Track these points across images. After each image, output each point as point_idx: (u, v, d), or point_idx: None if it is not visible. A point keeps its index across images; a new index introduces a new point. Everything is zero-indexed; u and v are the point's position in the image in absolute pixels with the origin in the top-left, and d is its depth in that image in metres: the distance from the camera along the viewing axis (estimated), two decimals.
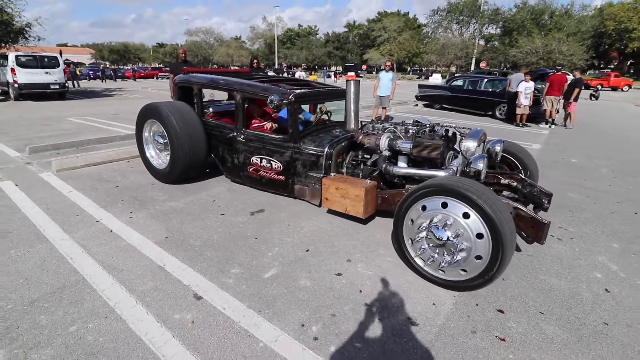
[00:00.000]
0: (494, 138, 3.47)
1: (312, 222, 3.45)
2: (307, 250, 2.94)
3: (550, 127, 10.12)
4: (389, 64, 9.16)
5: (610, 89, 29.77)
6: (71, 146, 6.04)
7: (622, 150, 7.27)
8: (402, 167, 3.21)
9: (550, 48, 33.22)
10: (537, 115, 10.49)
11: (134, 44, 76.29)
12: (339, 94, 4.25)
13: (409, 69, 51.87)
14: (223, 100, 5.66)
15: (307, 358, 1.86)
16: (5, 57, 13.49)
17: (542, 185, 3.10)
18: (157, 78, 39.51)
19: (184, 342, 1.95)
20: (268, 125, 4.19)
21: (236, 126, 3.94)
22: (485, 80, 12.55)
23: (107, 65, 44.76)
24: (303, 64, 46.86)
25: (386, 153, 3.29)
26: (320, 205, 3.56)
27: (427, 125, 3.47)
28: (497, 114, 11.64)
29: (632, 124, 11.37)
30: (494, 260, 2.18)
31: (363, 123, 3.78)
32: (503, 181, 3.19)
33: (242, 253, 2.87)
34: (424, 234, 2.44)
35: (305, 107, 4.67)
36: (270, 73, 10.04)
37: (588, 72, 40.92)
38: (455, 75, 17.50)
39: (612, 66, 47.16)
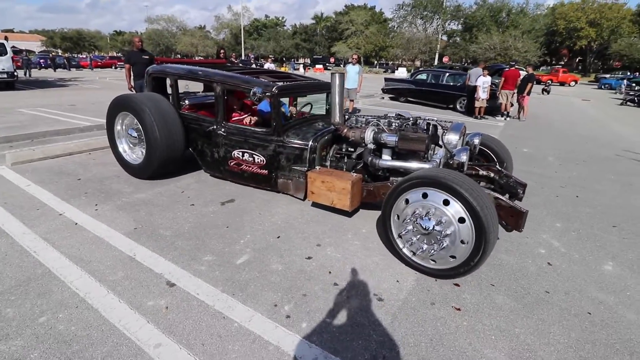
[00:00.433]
0: (472, 131, 3.63)
1: (283, 210, 3.54)
2: (278, 237, 3.03)
3: (505, 119, 10.77)
4: (355, 57, 9.33)
5: (559, 84, 31.88)
6: (26, 138, 5.71)
7: (567, 141, 7.92)
8: (387, 160, 3.25)
9: (507, 44, 34.97)
10: (493, 108, 11.11)
11: (89, 31, 71.68)
12: (320, 87, 4.29)
13: (375, 62, 52.64)
14: (198, 92, 5.53)
15: (280, 334, 1.97)
16: None
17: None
18: (115, 67, 37.53)
19: (158, 326, 1.99)
20: (247, 119, 4.15)
21: (216, 119, 3.83)
22: (447, 74, 13.09)
23: (60, 54, 41.80)
24: (271, 56, 46.24)
25: (371, 146, 3.33)
26: (304, 199, 3.61)
27: (410, 119, 3.58)
28: (458, 106, 12.19)
29: (578, 117, 12.34)
30: (477, 245, 2.26)
31: (347, 116, 3.81)
32: (481, 172, 3.30)
33: (213, 241, 2.92)
34: (410, 226, 2.51)
35: (284, 100, 4.65)
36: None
37: (541, 68, 43.46)
38: (419, 69, 18.05)
39: (563, 63, 50.44)
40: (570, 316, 2.23)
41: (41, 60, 32.03)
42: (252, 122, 4.11)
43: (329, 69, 43.68)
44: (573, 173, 5.39)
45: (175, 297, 2.24)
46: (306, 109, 4.51)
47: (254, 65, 13.05)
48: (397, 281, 2.50)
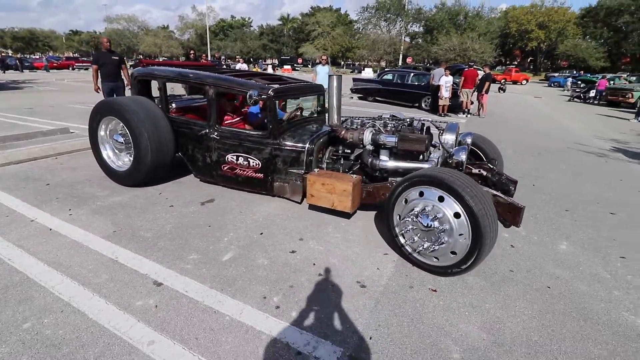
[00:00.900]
0: (464, 131, 3.74)
1: (264, 208, 3.61)
2: (261, 233, 3.10)
3: (467, 116, 11.37)
4: (324, 57, 9.52)
5: (512, 82, 33.89)
6: None
7: (523, 136, 8.51)
8: (387, 161, 3.27)
9: (465, 46, 36.67)
10: (455, 106, 11.69)
11: (42, 31, 67.18)
12: (312, 89, 4.30)
13: (342, 63, 53.36)
14: (184, 95, 5.38)
15: (271, 324, 2.06)
16: None
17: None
18: (73, 69, 35.51)
19: (149, 324, 2.02)
20: (239, 122, 4.04)
21: (209, 123, 3.72)
22: (412, 74, 13.59)
23: (10, 54, 38.95)
24: (238, 56, 45.59)
25: (369, 147, 3.35)
26: (301, 202, 3.63)
27: (406, 120, 3.65)
28: (423, 105, 12.71)
29: (532, 113, 13.24)
30: (475, 241, 2.30)
31: (343, 118, 3.82)
32: (474, 171, 3.36)
33: (197, 240, 2.94)
34: (410, 224, 2.57)
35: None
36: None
37: (496, 68, 45.89)
38: (386, 70, 18.57)
39: (516, 63, 53.56)
40: (532, 291, 2.48)
41: None
42: (241, 125, 4.01)
43: (297, 70, 43.81)
44: (529, 165, 5.84)
45: (163, 295, 2.26)
46: (298, 111, 4.46)
47: (224, 67, 12.86)
48: (378, 269, 2.65)
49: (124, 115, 3.70)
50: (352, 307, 2.23)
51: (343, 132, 3.48)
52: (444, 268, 2.52)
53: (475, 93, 11.56)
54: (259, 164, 3.56)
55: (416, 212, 2.52)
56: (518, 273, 2.68)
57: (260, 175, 3.60)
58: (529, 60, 55.33)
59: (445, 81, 10.74)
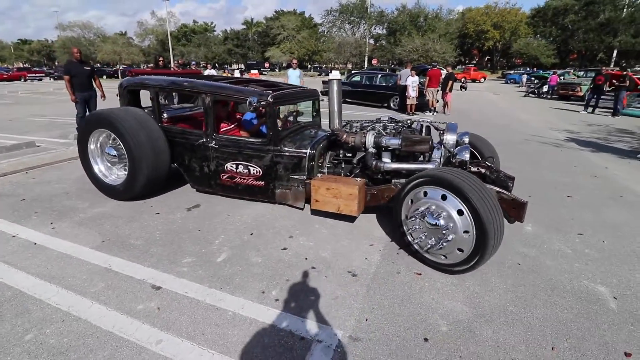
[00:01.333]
0: (460, 131, 3.72)
1: (251, 210, 3.70)
2: (252, 234, 3.20)
3: (433, 114, 11.90)
4: (295, 61, 9.70)
5: (471, 81, 35.60)
6: None
7: (485, 129, 9.03)
8: (392, 163, 3.28)
9: (427, 47, 38.10)
10: (422, 104, 12.20)
11: None
12: (309, 94, 4.29)
13: (309, 66, 53.74)
14: (173, 104, 5.27)
15: (273, 315, 2.18)
16: None
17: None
18: (25, 80, 33.52)
19: (155, 325, 2.08)
20: (235, 130, 3.97)
21: (206, 132, 3.64)
22: (380, 75, 14.04)
23: None
24: (202, 62, 44.79)
25: (372, 150, 3.37)
26: (303, 208, 3.62)
27: (406, 122, 3.69)
28: (392, 104, 13.15)
29: (491, 109, 14.03)
30: (480, 236, 2.35)
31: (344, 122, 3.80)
32: (473, 169, 3.34)
33: (189, 244, 3.00)
34: (418, 223, 2.63)
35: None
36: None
37: (457, 67, 47.98)
38: (354, 72, 18.99)
39: (475, 62, 56.19)
40: (505, 268, 2.75)
41: None
42: (237, 132, 3.94)
43: (264, 74, 43.63)
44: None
45: (164, 298, 2.32)
46: (291, 116, 4.43)
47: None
48: (366, 258, 2.83)
49: (117, 127, 3.57)
50: (346, 294, 2.39)
51: (345, 136, 3.47)
52: (450, 266, 2.58)
53: (440, 92, 12.13)
54: (259, 172, 3.52)
55: (422, 212, 2.58)
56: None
57: (261, 182, 3.56)
58: (486, 59, 58.20)
59: (411, 81, 11.20)
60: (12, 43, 69.35)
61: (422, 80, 12.50)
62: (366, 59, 44.29)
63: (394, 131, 3.66)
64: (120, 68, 40.77)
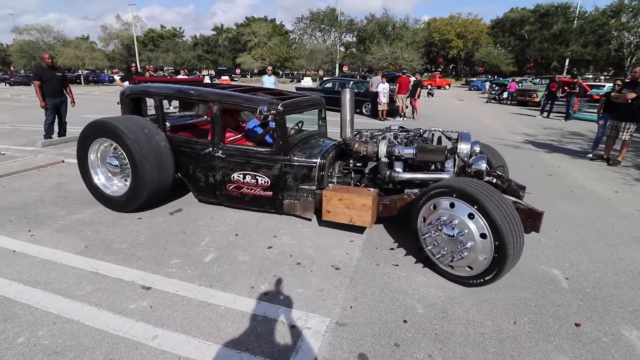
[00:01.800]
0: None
1: (234, 212, 3.80)
2: (236, 235, 3.31)
3: (403, 119, 12.40)
4: (270, 68, 9.84)
5: (437, 87, 37.14)
6: None
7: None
8: (406, 173, 3.23)
9: (396, 55, 39.39)
10: (393, 110, 12.68)
11: None
12: (316, 103, 4.22)
13: (281, 72, 53.94)
14: (175, 112, 5.14)
15: (264, 307, 2.31)
16: None
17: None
18: None
19: (149, 322, 2.16)
20: (237, 138, 3.91)
21: (213, 141, 3.55)
22: (352, 82, 14.45)
23: None
24: (170, 67, 43.83)
25: (384, 160, 3.32)
26: (311, 219, 3.58)
27: (417, 131, 3.69)
28: (364, 110, 13.55)
29: (457, 114, 14.78)
30: (500, 243, 2.31)
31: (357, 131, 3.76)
32: (485, 178, 3.20)
33: (175, 247, 3.07)
34: (434, 233, 2.61)
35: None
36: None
37: (424, 75, 49.84)
38: (326, 78, 19.37)
39: (440, 69, 58.59)
40: None
41: None
42: (243, 141, 3.88)
43: (236, 80, 43.39)
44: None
45: (155, 297, 2.39)
46: (297, 125, 4.27)
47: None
48: (347, 253, 3.02)
49: (120, 137, 3.43)
50: (331, 285, 2.56)
51: (356, 145, 3.40)
52: (467, 279, 2.56)
53: (409, 98, 12.67)
54: (267, 182, 3.45)
55: (441, 222, 2.56)
56: None
57: (269, 193, 3.48)
58: (451, 66, 60.82)
59: (382, 88, 11.64)
60: None
61: (392, 87, 13.00)
62: (337, 66, 45.10)
63: (405, 140, 3.64)
64: (84, 73, 39.10)
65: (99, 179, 3.85)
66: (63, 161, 5.72)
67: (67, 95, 6.89)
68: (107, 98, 20.20)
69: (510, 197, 2.78)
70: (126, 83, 8.32)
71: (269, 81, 9.52)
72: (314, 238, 3.28)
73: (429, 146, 3.25)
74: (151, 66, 11.16)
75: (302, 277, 2.67)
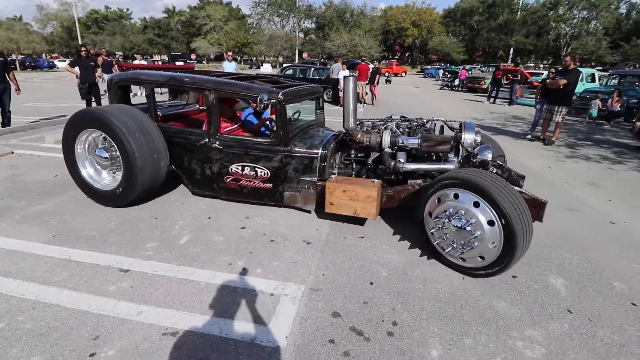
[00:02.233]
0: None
1: (204, 198, 3.87)
2: (209, 218, 3.42)
3: (363, 106, 12.77)
4: (230, 54, 9.71)
5: (394, 75, 38.19)
6: None
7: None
8: (411, 163, 3.18)
9: (355, 42, 39.79)
10: None
11: None
12: (315, 91, 4.13)
13: (239, 58, 52.47)
14: (164, 101, 4.90)
15: (243, 280, 2.48)
16: None
17: None
18: None
19: (132, 301, 2.25)
20: (234, 128, 3.83)
21: (209, 131, 3.42)
22: (313, 69, 14.54)
23: None
24: (118, 52, 41.03)
25: (388, 150, 3.28)
26: (310, 211, 3.54)
27: (419, 121, 3.67)
28: (325, 97, 13.75)
29: (413, 100, 15.45)
30: (506, 249, 2.35)
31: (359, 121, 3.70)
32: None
33: (148, 232, 3.12)
34: (441, 224, 2.59)
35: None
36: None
37: (382, 62, 50.90)
38: (288, 65, 19.25)
39: (397, 57, 60.03)
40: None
41: None
42: (240, 132, 3.80)
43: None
44: None
45: (135, 278, 2.48)
46: (295, 115, 4.17)
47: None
48: (317, 229, 3.25)
49: (111, 127, 3.24)
50: (303, 258, 2.78)
51: (359, 135, 3.35)
52: (474, 269, 2.57)
53: (368, 85, 13.03)
54: (267, 173, 3.36)
55: (448, 214, 2.55)
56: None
57: (269, 185, 3.40)
58: (407, 54, 62.51)
59: (342, 74, 11.86)
60: None
61: (353, 74, 13.27)
62: (297, 52, 44.71)
63: (407, 130, 3.62)
64: (19, 58, 35.50)
65: (88, 172, 3.65)
66: (12, 152, 5.39)
67: (9, 82, 6.40)
68: (49, 85, 18.69)
69: (517, 188, 2.75)
70: (77, 69, 7.86)
71: (229, 67, 9.39)
72: (285, 217, 3.47)
73: (434, 136, 3.21)
74: (103, 50, 10.52)
75: (277, 252, 2.86)
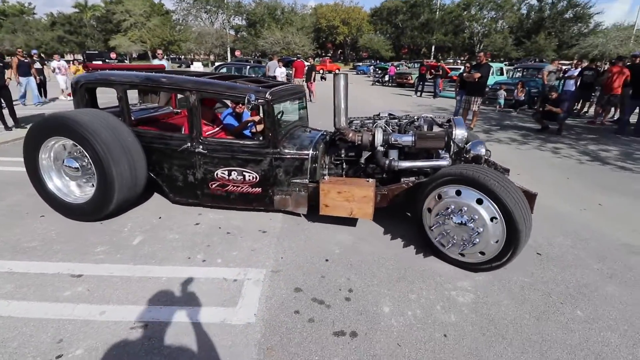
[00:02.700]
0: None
1: (151, 200, 3.80)
2: (160, 217, 3.39)
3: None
4: (160, 52, 9.35)
5: (328, 72, 39.18)
6: None
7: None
8: (406, 161, 3.15)
9: (288, 39, 39.91)
10: None
11: None
12: (299, 91, 4.06)
13: (166, 57, 49.48)
14: (135, 104, 4.47)
15: (205, 271, 2.57)
16: None
17: None
18: None
19: (92, 302, 2.23)
20: (216, 131, 3.70)
21: (191, 135, 3.22)
22: (248, 67, 14.43)
23: None
24: (33, 51, 36.26)
25: (381, 149, 3.24)
26: (301, 214, 3.46)
27: (408, 118, 3.68)
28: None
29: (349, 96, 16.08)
30: (508, 220, 2.37)
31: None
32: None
33: (95, 236, 3.02)
34: (442, 221, 2.60)
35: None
36: None
37: (316, 59, 51.74)
38: (220, 63, 18.79)
39: (330, 54, 61.40)
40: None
41: None
42: (222, 135, 3.67)
43: None
44: None
45: (90, 282, 2.43)
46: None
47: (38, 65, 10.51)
48: (271, 219, 3.42)
49: (82, 135, 2.95)
50: (261, 245, 2.95)
51: (350, 134, 3.30)
52: (484, 263, 2.59)
53: (305, 82, 13.32)
54: (256, 177, 3.23)
55: (450, 211, 2.56)
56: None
57: (258, 189, 3.27)
58: (339, 52, 64.22)
59: (280, 72, 12.00)
60: None
61: (289, 71, 13.46)
62: (229, 50, 43.53)
63: (397, 128, 3.59)
64: None
65: (55, 184, 3.32)
66: None
67: None
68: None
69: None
70: None
71: None
72: (239, 211, 3.58)
73: (428, 133, 3.20)
74: (19, 50, 9.38)
75: (234, 242, 2.98)
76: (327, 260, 2.74)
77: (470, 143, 3.14)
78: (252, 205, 3.41)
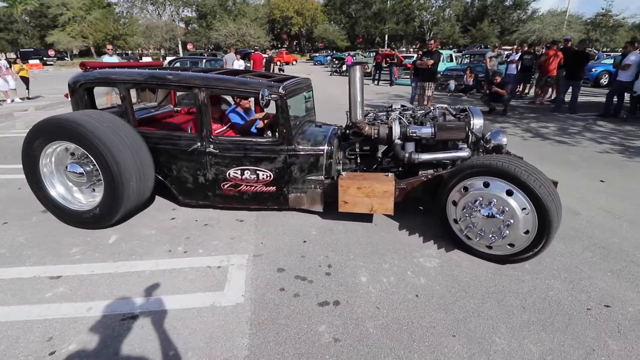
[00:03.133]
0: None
1: None
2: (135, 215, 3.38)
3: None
4: (110, 47, 8.93)
5: (285, 63, 38.94)
6: None
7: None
8: (426, 154, 3.08)
9: (242, 31, 39.00)
10: None
11: None
12: (308, 85, 3.98)
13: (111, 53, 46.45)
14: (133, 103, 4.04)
15: (188, 261, 2.65)
16: None
17: None
18: None
19: (76, 301, 2.24)
20: (225, 129, 3.60)
21: (201, 134, 3.08)
22: (205, 60, 14.04)
23: None
24: None
25: (399, 142, 3.17)
26: (311, 211, 3.34)
27: (425, 109, 3.61)
28: None
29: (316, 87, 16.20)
30: (538, 211, 2.33)
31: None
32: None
33: (68, 238, 2.97)
34: (468, 214, 2.55)
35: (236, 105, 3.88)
36: None
37: (273, 51, 51.05)
38: (174, 58, 18.07)
39: (286, 46, 60.81)
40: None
41: None
42: (231, 133, 3.59)
43: (51, 64, 35.50)
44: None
45: (70, 283, 2.42)
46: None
47: None
48: (246, 212, 3.52)
49: (88, 139, 2.79)
50: (240, 234, 3.05)
51: (367, 128, 3.19)
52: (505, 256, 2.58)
53: None
54: (270, 176, 3.14)
55: (479, 203, 2.50)
56: None
57: (272, 188, 3.18)
58: (295, 43, 63.75)
59: (237, 65, 11.83)
60: None
61: (247, 64, 13.31)
62: (180, 43, 41.76)
63: (411, 119, 3.48)
64: None
65: (58, 192, 3.16)
66: None
67: None
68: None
69: None
70: None
71: (111, 61, 8.57)
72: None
73: (448, 124, 3.11)
74: None
75: (213, 233, 3.07)
76: (305, 241, 2.91)
77: (490, 133, 3.10)
78: (267, 205, 3.32)
